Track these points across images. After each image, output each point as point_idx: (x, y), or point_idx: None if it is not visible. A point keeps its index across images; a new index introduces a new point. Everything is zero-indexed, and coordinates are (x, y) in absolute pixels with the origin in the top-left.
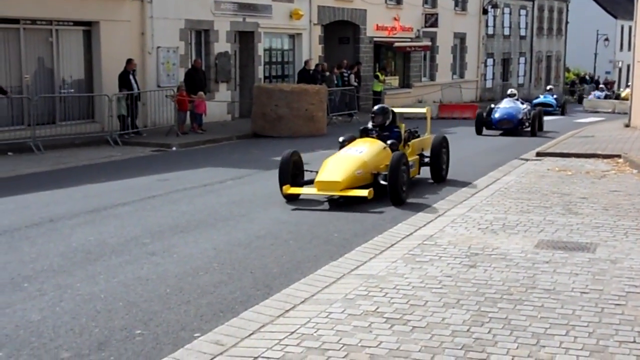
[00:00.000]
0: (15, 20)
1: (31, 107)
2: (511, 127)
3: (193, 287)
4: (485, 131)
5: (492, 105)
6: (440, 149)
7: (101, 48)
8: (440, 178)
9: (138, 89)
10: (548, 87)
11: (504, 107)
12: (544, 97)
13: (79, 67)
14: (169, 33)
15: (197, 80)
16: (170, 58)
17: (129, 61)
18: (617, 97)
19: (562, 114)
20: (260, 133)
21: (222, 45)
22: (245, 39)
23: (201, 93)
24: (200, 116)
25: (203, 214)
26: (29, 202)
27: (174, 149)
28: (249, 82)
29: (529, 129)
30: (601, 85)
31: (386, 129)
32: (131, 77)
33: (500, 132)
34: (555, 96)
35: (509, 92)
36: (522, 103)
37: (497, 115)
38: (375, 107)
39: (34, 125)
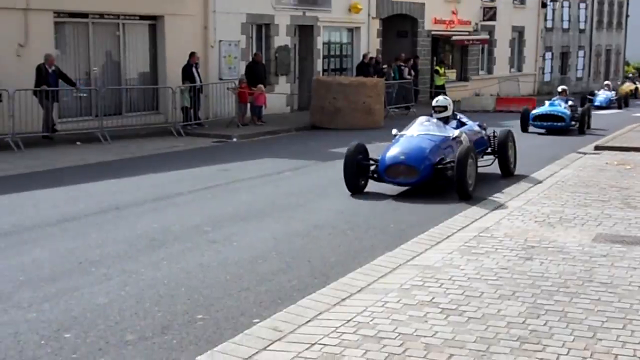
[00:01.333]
0: (84, 15)
1: (99, 99)
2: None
3: (252, 275)
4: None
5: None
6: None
7: (166, 42)
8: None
9: (200, 82)
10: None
11: (546, 108)
12: (550, 104)
13: (144, 60)
14: (231, 27)
15: (257, 73)
16: (232, 51)
17: (192, 54)
18: None
19: (582, 131)
20: (318, 125)
21: (282, 38)
22: (304, 32)
23: (261, 86)
24: (260, 108)
25: (262, 203)
26: (97, 190)
27: (234, 140)
28: (308, 75)
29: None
30: None
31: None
32: (194, 70)
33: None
34: (570, 103)
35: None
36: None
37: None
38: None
39: (101, 116)
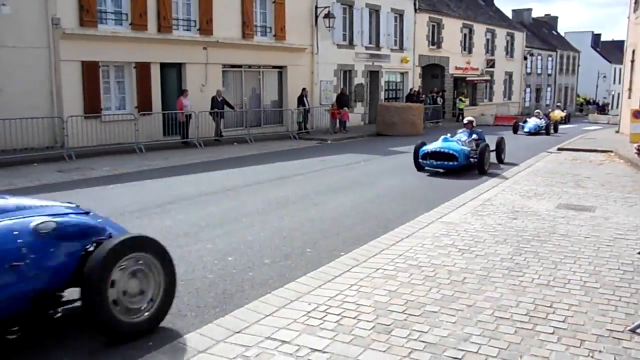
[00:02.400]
0: (239, 66)
1: (247, 116)
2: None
3: (340, 225)
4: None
5: (526, 119)
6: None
7: (287, 81)
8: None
9: (308, 106)
10: (536, 111)
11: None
12: (444, 139)
13: (274, 92)
14: (327, 72)
15: (343, 101)
16: (328, 87)
17: (303, 89)
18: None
19: (481, 171)
20: (381, 133)
21: (359, 79)
22: (373, 75)
23: (346, 108)
24: (345, 122)
25: (346, 181)
26: (246, 171)
27: (329, 142)
28: (375, 101)
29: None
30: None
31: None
32: (304, 98)
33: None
34: (475, 136)
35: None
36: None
37: (526, 127)
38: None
39: (248, 127)
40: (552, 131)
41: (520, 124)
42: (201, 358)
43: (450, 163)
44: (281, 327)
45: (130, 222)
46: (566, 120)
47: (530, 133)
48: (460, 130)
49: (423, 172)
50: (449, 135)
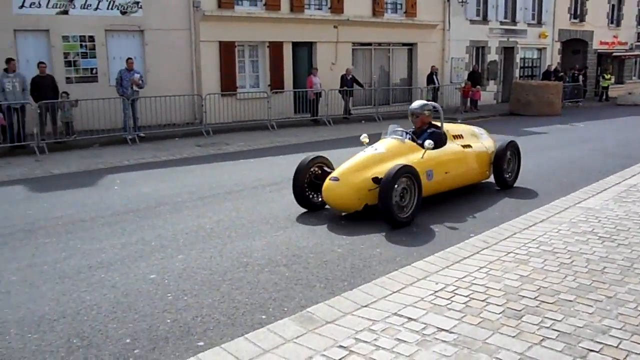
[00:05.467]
0: (369, 44)
1: (376, 94)
2: None
3: (471, 207)
4: None
5: None
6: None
7: (417, 58)
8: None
9: (438, 84)
10: None
11: None
12: None
13: (404, 70)
14: (459, 49)
15: (475, 78)
16: (459, 64)
17: (433, 67)
18: None
19: None
20: (514, 112)
21: (492, 56)
22: (507, 51)
23: (478, 86)
24: (476, 101)
25: None
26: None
27: (459, 121)
28: (509, 79)
29: None
30: None
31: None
32: (434, 76)
33: None
34: None
35: None
36: None
37: None
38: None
39: (377, 105)
40: None
41: None
42: (329, 328)
43: None
44: (408, 304)
45: (263, 196)
46: None
47: None
48: None
49: (560, 153)
50: None
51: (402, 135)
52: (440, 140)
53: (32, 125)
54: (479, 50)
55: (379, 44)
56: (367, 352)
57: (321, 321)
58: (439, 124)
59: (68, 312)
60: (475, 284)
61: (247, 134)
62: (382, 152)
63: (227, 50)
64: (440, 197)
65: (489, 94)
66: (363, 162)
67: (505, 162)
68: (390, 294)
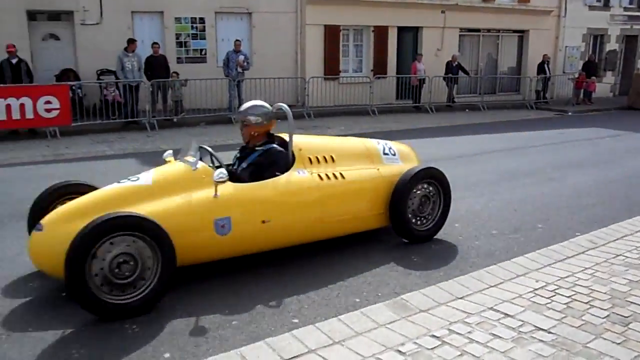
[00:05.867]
0: (477, 30)
1: (482, 82)
2: None
3: (577, 203)
4: None
5: None
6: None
7: (529, 47)
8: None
9: (549, 74)
10: None
11: None
12: None
13: (513, 58)
14: (575, 36)
15: (591, 69)
16: (574, 53)
17: (544, 55)
18: None
19: None
20: (634, 107)
21: (612, 45)
22: (630, 40)
23: (593, 77)
24: (591, 93)
25: (587, 157)
26: (477, 139)
27: (569, 114)
28: (629, 70)
29: None
30: None
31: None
32: (545, 65)
33: None
34: None
35: None
36: None
37: None
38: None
39: (482, 93)
40: None
41: None
42: (422, 317)
43: None
44: (505, 300)
45: None
46: None
47: None
48: None
49: None
50: None
51: (196, 159)
52: (273, 164)
53: (144, 102)
54: (597, 38)
55: (488, 30)
56: (460, 344)
57: (415, 309)
58: (286, 136)
59: None
60: (578, 285)
61: (348, 118)
62: (145, 184)
63: (331, 34)
64: (542, 192)
65: (605, 86)
66: (98, 200)
67: (410, 200)
68: (487, 288)
